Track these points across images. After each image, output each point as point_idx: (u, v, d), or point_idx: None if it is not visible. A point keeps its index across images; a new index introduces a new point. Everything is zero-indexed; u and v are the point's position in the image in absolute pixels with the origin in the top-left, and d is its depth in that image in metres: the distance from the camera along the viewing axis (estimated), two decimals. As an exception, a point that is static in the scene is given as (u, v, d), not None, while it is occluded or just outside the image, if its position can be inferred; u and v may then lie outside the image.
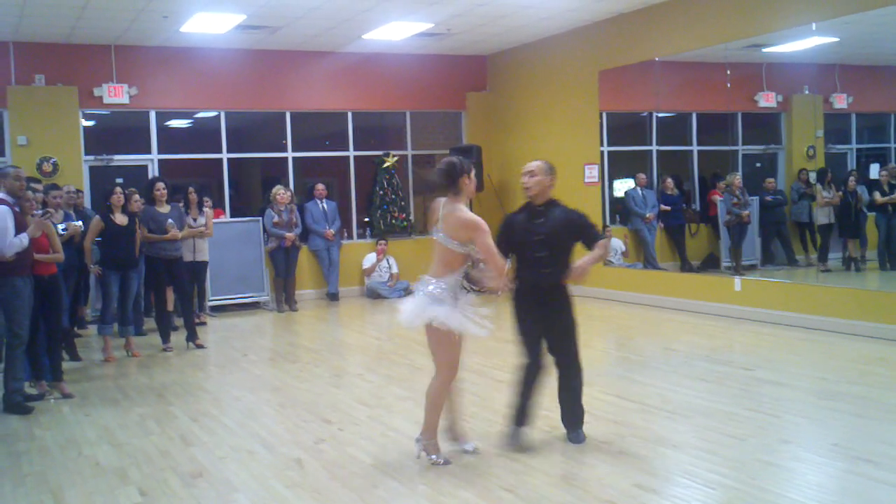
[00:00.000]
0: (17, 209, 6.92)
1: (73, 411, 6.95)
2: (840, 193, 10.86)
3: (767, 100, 11.71)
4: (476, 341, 9.14)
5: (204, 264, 11.19)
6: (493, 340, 9.46)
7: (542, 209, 5.39)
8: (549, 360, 5.46)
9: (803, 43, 10.06)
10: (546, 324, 5.41)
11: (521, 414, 5.47)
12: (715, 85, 11.39)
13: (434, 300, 4.97)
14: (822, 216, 11.05)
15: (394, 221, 13.91)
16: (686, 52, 11.01)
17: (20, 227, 6.79)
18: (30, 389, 7.34)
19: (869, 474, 4.79)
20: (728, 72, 10.93)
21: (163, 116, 12.87)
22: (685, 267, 12.17)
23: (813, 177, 11.15)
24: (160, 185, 9.53)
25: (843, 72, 11.20)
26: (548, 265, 5.32)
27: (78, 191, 10.67)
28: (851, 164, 11.53)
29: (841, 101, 11.24)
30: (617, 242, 12.57)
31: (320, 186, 12.96)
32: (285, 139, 13.56)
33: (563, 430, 5.65)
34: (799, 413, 6.14)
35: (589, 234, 5.36)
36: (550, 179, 5.39)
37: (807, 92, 11.46)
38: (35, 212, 7.30)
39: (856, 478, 4.78)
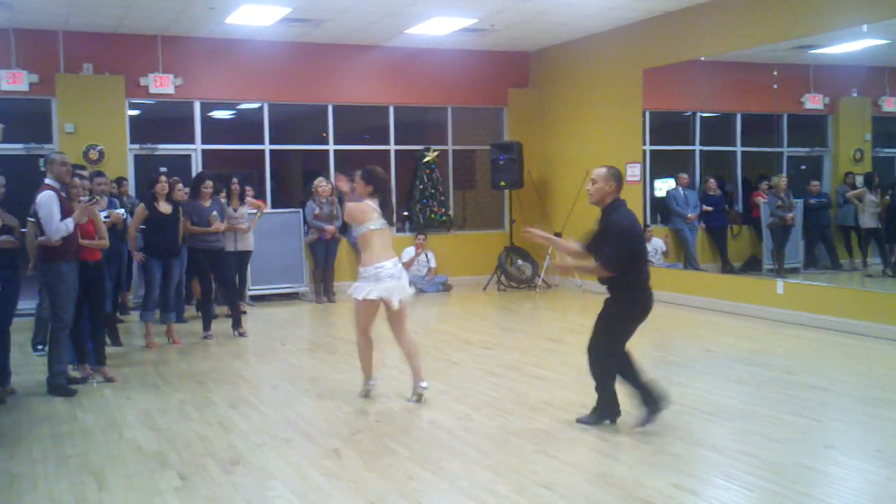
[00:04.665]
0: (63, 195, 7.04)
1: (115, 395, 7.04)
2: (888, 198, 10.68)
3: (814, 102, 11.55)
4: (515, 339, 9.24)
5: (248, 254, 11.15)
6: (529, 338, 9.55)
7: (603, 214, 5.70)
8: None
9: (853, 45, 9.90)
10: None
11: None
12: (760, 86, 11.25)
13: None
14: (870, 220, 10.88)
15: (433, 216, 13.92)
16: (732, 52, 10.88)
17: (66, 213, 6.90)
18: (73, 373, 7.46)
19: (913, 482, 4.72)
20: (775, 73, 10.79)
21: (207, 107, 12.98)
22: (726, 268, 12.03)
23: (860, 180, 10.98)
24: (209, 182, 9.59)
25: (894, 75, 11.00)
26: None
27: (121, 179, 10.78)
28: (900, 168, 11.35)
29: (890, 105, 11.05)
30: (658, 242, 12.47)
31: (361, 180, 12.95)
32: (327, 132, 13.62)
33: (600, 427, 5.78)
34: (842, 418, 6.05)
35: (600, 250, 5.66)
36: (611, 185, 5.61)
37: (855, 94, 11.29)
38: (82, 198, 7.41)
39: (899, 485, 4.70)
